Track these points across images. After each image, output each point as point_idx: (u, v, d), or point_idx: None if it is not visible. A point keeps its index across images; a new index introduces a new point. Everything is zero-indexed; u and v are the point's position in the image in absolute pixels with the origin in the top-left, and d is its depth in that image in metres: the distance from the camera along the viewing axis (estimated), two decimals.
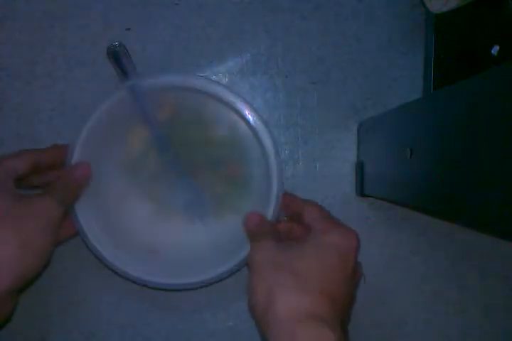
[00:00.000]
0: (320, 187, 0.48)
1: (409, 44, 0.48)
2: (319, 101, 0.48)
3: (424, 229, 0.49)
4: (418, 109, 0.38)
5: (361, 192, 0.47)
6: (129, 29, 0.47)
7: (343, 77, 0.48)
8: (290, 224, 0.42)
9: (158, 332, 0.48)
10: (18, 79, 0.47)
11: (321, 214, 0.39)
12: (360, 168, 0.47)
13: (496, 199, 0.26)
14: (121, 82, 0.43)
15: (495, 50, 0.44)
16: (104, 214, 0.42)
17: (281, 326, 0.30)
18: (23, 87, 0.47)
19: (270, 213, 0.42)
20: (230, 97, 0.41)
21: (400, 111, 0.42)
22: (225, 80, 0.48)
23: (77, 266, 0.47)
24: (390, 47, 0.48)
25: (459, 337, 0.49)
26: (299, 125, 0.48)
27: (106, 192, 0.43)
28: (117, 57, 0.42)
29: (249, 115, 0.41)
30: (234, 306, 0.48)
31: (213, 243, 0.44)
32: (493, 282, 0.49)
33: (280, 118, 0.48)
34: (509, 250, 0.49)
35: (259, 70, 0.48)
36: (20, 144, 0.47)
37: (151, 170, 0.44)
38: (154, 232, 0.44)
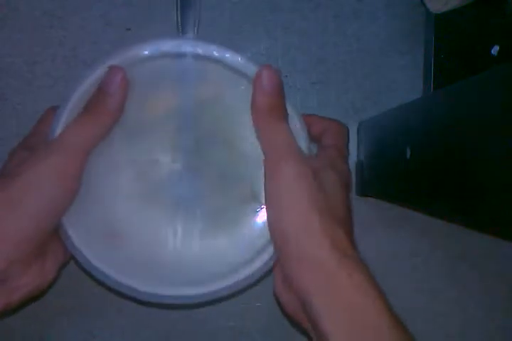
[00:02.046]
0: None
1: (409, 44, 0.48)
2: (319, 101, 0.48)
3: (424, 229, 0.49)
4: (418, 109, 0.38)
5: (361, 192, 0.47)
6: (129, 29, 0.47)
7: (343, 77, 0.48)
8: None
9: (159, 332, 0.48)
10: (18, 79, 0.47)
11: (340, 141, 0.35)
12: (360, 168, 0.47)
13: (496, 199, 0.26)
14: (178, 30, 0.36)
15: (495, 50, 0.44)
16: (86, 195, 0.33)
17: (321, 264, 0.29)
18: (23, 87, 0.47)
19: None
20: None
21: (400, 111, 0.42)
22: None
23: (76, 266, 0.47)
24: (390, 47, 0.48)
25: (459, 337, 0.49)
26: None
27: (93, 155, 0.33)
28: None
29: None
30: (234, 306, 0.48)
31: (191, 260, 0.35)
32: (493, 282, 0.49)
33: None
34: (509, 250, 0.49)
35: None
36: None
37: (156, 148, 0.35)
38: (127, 221, 0.35)
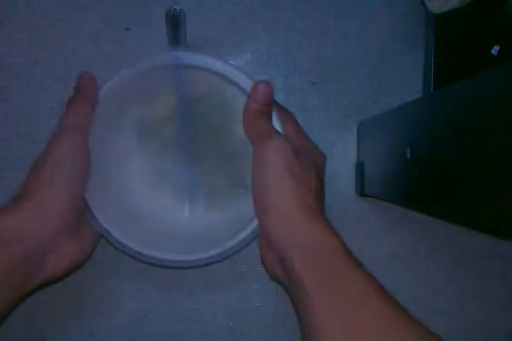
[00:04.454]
0: None
1: (409, 44, 0.48)
2: (319, 101, 0.48)
3: (424, 229, 0.49)
4: (418, 108, 0.38)
5: (361, 192, 0.47)
6: (129, 29, 0.47)
7: (343, 77, 0.48)
8: None
9: (158, 332, 0.48)
10: (18, 79, 0.47)
11: (297, 129, 0.42)
12: (360, 168, 0.47)
13: (496, 200, 0.26)
14: (169, 47, 0.42)
15: (495, 50, 0.44)
16: (105, 179, 0.42)
17: (293, 219, 0.36)
18: (23, 87, 0.47)
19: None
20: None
21: (400, 111, 0.42)
22: None
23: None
24: (390, 47, 0.48)
25: (459, 337, 0.49)
26: None
27: (112, 150, 0.43)
28: (174, 21, 0.41)
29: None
30: (234, 306, 0.48)
31: (197, 231, 0.44)
32: (493, 282, 0.49)
33: None
34: (509, 250, 0.49)
35: (259, 70, 0.48)
36: (21, 144, 0.47)
37: (162, 142, 0.44)
38: (143, 203, 0.44)
